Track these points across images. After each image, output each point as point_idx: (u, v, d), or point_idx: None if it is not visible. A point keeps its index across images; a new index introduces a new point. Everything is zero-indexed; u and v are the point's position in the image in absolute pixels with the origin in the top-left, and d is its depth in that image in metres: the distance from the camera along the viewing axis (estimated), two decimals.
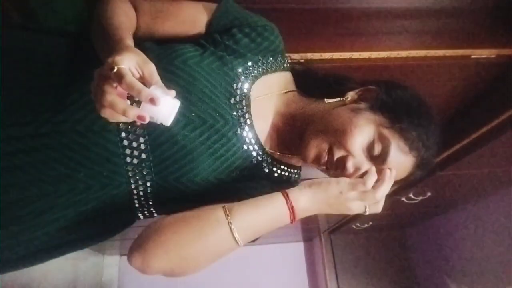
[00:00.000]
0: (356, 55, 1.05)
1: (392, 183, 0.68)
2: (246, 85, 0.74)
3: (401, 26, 1.11)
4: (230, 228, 0.61)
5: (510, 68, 1.08)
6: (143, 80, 0.54)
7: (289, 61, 0.86)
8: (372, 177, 0.67)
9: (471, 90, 1.21)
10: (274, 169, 0.77)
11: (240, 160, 0.71)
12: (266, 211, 0.65)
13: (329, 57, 1.04)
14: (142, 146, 0.65)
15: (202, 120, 0.67)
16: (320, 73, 0.85)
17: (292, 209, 0.64)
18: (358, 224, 2.33)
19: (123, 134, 0.64)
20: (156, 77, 0.55)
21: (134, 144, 0.65)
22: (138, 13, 0.75)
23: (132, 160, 0.65)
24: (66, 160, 0.62)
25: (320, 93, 0.78)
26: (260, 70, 0.77)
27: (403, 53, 1.06)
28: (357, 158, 0.69)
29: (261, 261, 2.91)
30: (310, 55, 1.03)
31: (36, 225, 0.64)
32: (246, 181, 0.71)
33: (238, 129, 0.71)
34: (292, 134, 0.77)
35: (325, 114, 0.74)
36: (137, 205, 0.69)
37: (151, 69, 0.55)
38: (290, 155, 0.79)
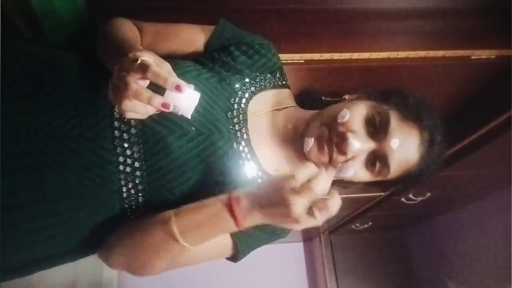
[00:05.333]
0: (356, 55, 1.05)
1: (329, 178, 0.59)
2: (244, 101, 0.76)
3: (401, 27, 1.11)
4: (171, 226, 0.61)
5: (510, 69, 1.07)
6: None
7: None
8: (301, 173, 0.57)
9: (471, 90, 1.21)
10: None
11: (234, 175, 0.70)
12: (206, 211, 0.61)
13: (329, 58, 1.04)
14: (136, 155, 0.64)
15: (198, 132, 0.67)
16: (321, 93, 0.86)
17: (232, 211, 0.59)
18: (358, 224, 2.32)
19: (117, 141, 0.63)
20: (174, 75, 0.56)
21: (128, 152, 0.64)
22: (141, 34, 0.78)
23: (125, 168, 0.64)
24: (58, 166, 0.61)
25: (321, 107, 0.78)
26: (258, 86, 0.79)
27: (403, 54, 1.06)
28: (358, 133, 0.68)
29: (261, 261, 2.90)
30: (310, 55, 1.03)
31: (24, 233, 0.61)
32: None
33: (234, 143, 0.71)
34: (291, 146, 0.76)
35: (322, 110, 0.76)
36: (128, 213, 0.68)
37: (168, 67, 0.57)
38: (288, 172, 0.76)
